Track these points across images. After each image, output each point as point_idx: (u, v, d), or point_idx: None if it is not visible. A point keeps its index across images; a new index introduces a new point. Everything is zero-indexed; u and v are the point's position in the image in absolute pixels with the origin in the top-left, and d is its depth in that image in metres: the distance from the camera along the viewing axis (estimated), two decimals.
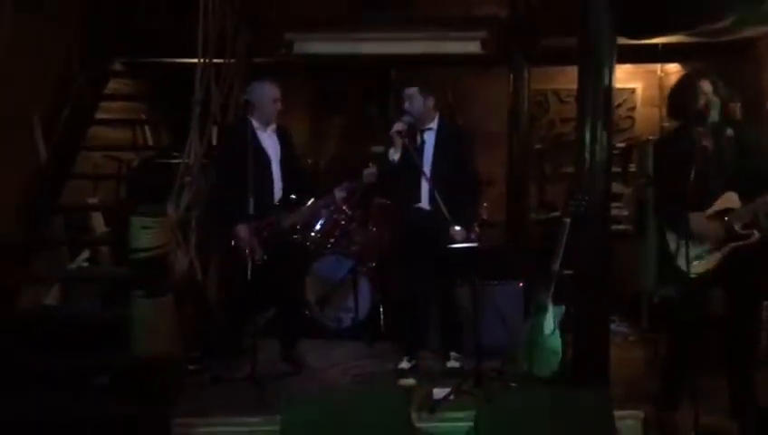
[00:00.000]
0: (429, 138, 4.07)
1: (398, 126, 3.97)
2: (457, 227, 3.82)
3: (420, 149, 4.04)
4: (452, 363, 4.08)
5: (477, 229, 5.43)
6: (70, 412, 3.45)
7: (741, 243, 3.25)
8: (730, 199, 3.29)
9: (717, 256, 3.30)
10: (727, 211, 3.29)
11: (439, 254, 3.89)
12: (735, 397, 3.40)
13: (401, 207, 4.26)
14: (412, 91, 4.06)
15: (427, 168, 3.98)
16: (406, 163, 3.96)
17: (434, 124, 4.09)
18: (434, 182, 3.89)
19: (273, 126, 4.16)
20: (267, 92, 4.09)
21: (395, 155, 3.96)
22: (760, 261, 3.33)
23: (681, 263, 3.25)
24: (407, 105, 4.06)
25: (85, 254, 4.84)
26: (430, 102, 4.08)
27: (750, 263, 3.29)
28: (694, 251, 3.23)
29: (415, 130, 4.07)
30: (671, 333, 3.61)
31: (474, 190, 4.15)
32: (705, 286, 3.35)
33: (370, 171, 4.09)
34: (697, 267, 3.24)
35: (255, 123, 4.07)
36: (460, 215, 3.85)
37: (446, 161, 4.01)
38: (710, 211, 3.30)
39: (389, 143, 3.98)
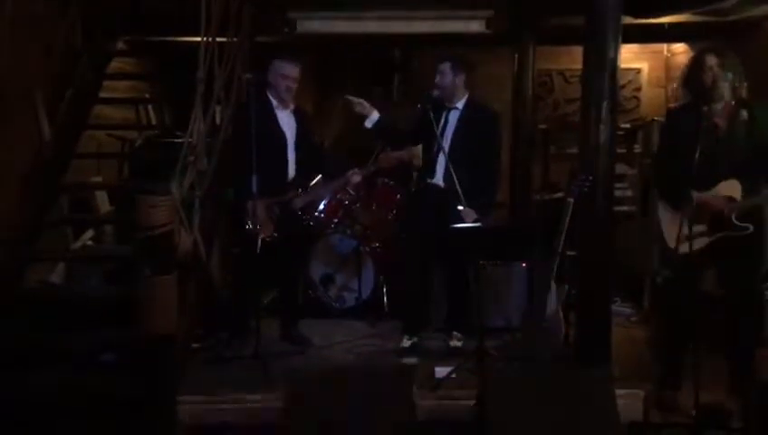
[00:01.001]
0: (453, 116, 4.03)
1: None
2: (466, 208, 3.81)
3: (444, 127, 4.01)
4: (455, 343, 4.10)
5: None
6: (76, 390, 3.49)
7: (734, 233, 3.24)
8: (732, 187, 3.28)
9: (706, 240, 3.30)
10: (727, 199, 3.27)
11: (445, 233, 3.88)
12: (735, 375, 3.42)
13: (415, 179, 4.23)
14: (445, 66, 4.00)
15: (446, 145, 3.96)
16: (425, 136, 3.94)
17: (460, 103, 4.04)
18: (451, 161, 3.88)
19: (292, 106, 4.18)
20: (278, 69, 4.09)
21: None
22: (752, 246, 3.33)
23: (672, 242, 3.25)
24: (437, 79, 4.01)
25: (89, 233, 4.86)
26: (460, 80, 4.02)
27: (741, 248, 3.29)
28: (685, 230, 3.21)
29: (442, 105, 4.04)
30: (667, 313, 3.63)
31: (492, 176, 4.05)
32: (697, 266, 3.34)
33: (387, 155, 4.10)
34: (685, 247, 3.22)
35: (274, 102, 4.10)
36: (473, 197, 3.84)
37: (468, 143, 3.97)
38: (710, 194, 3.29)
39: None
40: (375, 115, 4.09)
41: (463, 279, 4.06)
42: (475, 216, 3.82)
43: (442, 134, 3.99)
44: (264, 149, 3.82)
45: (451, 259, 4.12)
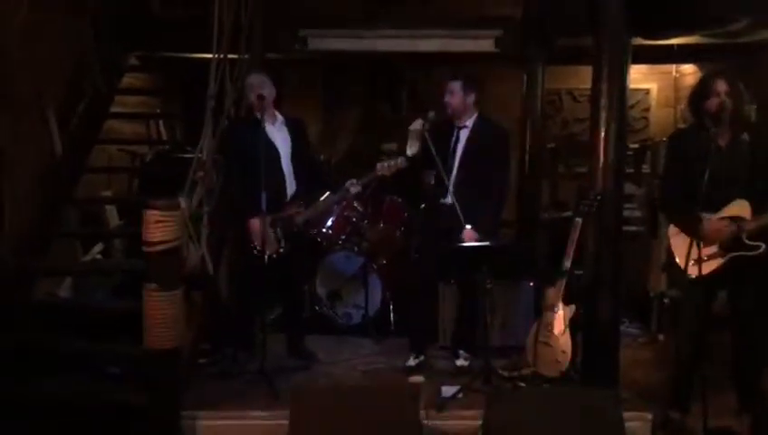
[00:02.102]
0: (463, 135, 4.02)
1: (416, 124, 3.96)
2: (468, 227, 3.81)
3: (454, 146, 4.00)
4: (461, 362, 4.08)
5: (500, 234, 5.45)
6: (82, 401, 3.49)
7: (746, 253, 3.24)
8: (742, 207, 3.27)
9: (720, 261, 3.29)
10: (737, 218, 3.27)
11: (454, 251, 3.87)
12: (743, 397, 3.39)
13: (425, 202, 4.21)
14: (456, 85, 3.97)
15: (455, 164, 3.96)
16: (429, 159, 3.95)
17: (470, 122, 4.02)
18: (459, 180, 3.88)
19: (281, 119, 4.15)
20: (248, 84, 4.06)
21: (411, 149, 3.94)
22: (761, 268, 3.31)
23: (680, 260, 3.25)
24: (447, 97, 3.99)
25: (99, 247, 4.88)
26: (471, 99, 4.00)
27: (752, 271, 3.28)
28: (696, 252, 3.20)
29: (451, 125, 4.04)
30: (679, 335, 3.61)
31: (498, 196, 3.99)
32: (708, 288, 3.33)
33: (383, 164, 4.06)
34: (697, 269, 3.21)
35: (263, 117, 4.01)
36: (476, 217, 3.83)
37: (477, 161, 3.95)
38: (720, 215, 3.29)
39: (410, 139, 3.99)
40: (409, 153, 4.09)
41: (470, 298, 4.04)
42: (476, 236, 3.81)
43: (453, 153, 3.98)
44: (256, 165, 3.76)
45: (458, 278, 4.11)
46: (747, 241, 3.24)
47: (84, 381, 3.66)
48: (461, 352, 4.11)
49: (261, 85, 3.99)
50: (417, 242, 4.72)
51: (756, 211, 3.25)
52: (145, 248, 3.36)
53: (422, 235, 4.39)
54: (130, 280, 4.10)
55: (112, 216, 5.07)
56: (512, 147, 4.32)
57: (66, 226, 4.57)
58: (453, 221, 3.87)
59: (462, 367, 4.04)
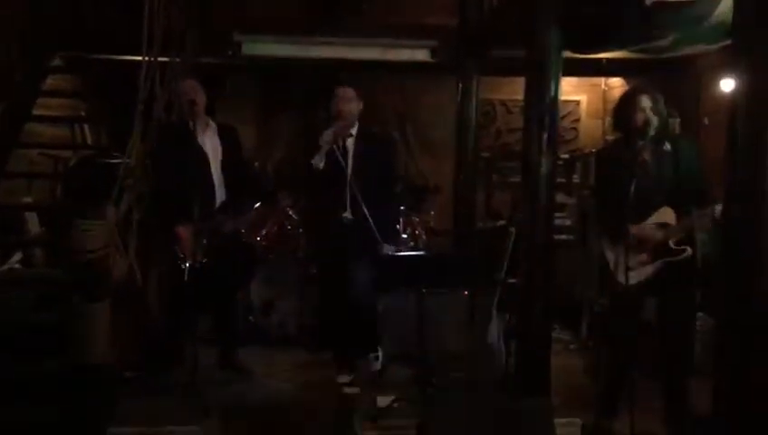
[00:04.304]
0: (350, 144, 3.98)
1: (327, 135, 3.83)
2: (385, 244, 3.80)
3: (344, 157, 3.93)
4: (375, 365, 4.06)
5: (422, 233, 5.48)
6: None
7: (673, 258, 3.36)
8: (666, 214, 3.39)
9: (650, 269, 3.40)
10: (663, 225, 3.39)
11: (391, 262, 3.84)
12: (670, 405, 3.50)
13: (327, 217, 4.04)
14: (351, 93, 3.93)
15: (348, 175, 3.89)
16: (332, 171, 3.86)
17: (354, 130, 4.00)
18: (358, 190, 3.82)
19: (214, 126, 4.06)
20: (180, 89, 3.97)
21: (320, 162, 3.84)
22: (690, 275, 3.44)
23: (619, 273, 3.34)
24: (341, 105, 3.90)
25: (18, 255, 4.65)
26: (360, 107, 3.99)
27: (680, 276, 3.40)
28: (629, 262, 3.30)
29: (344, 136, 3.96)
30: (608, 342, 3.70)
31: (394, 196, 4.02)
32: (638, 296, 3.43)
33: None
34: (632, 278, 3.32)
35: (191, 123, 3.88)
36: (384, 228, 3.82)
37: (367, 168, 3.93)
38: (647, 224, 3.40)
39: (315, 151, 3.83)
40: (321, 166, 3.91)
41: (370, 304, 4.02)
42: (394, 248, 3.80)
43: (346, 165, 3.91)
44: (184, 172, 3.65)
45: (394, 289, 4.09)
46: (674, 246, 3.36)
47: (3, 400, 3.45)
48: (371, 355, 4.09)
49: (192, 91, 3.90)
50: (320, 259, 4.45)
51: (680, 218, 3.38)
52: (69, 258, 3.22)
53: (327, 252, 4.16)
54: (52, 291, 3.92)
55: (33, 223, 4.84)
56: (446, 155, 4.33)
57: None
58: (356, 235, 3.83)
59: (390, 373, 4.01)
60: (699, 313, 4.27)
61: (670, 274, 3.38)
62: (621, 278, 3.35)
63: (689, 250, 3.35)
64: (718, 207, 3.14)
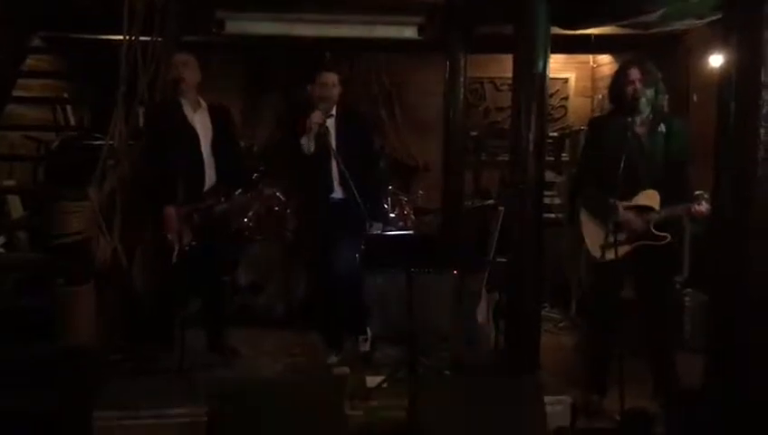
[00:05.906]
0: (330, 124, 3.95)
1: (317, 117, 3.80)
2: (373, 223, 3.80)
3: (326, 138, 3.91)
4: (364, 347, 4.06)
5: (410, 213, 5.46)
6: None
7: (652, 243, 3.35)
8: (651, 197, 3.37)
9: (626, 247, 3.39)
10: (646, 208, 3.36)
11: (378, 241, 3.82)
12: (657, 379, 3.52)
13: (316, 198, 4.04)
14: (334, 77, 3.94)
15: (332, 156, 3.87)
16: (319, 153, 3.84)
17: (334, 110, 3.99)
18: (343, 169, 3.80)
19: (205, 106, 3.98)
20: (172, 62, 3.87)
21: (310, 145, 3.83)
22: (666, 257, 3.45)
23: (591, 246, 3.32)
24: (326, 92, 3.91)
25: (1, 239, 4.59)
26: (341, 90, 3.99)
27: (656, 258, 3.40)
28: (609, 238, 3.28)
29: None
30: (593, 319, 3.70)
31: (377, 172, 4.01)
32: (616, 272, 3.42)
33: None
34: (607, 254, 3.30)
35: (182, 101, 3.84)
36: (372, 205, 3.82)
37: (349, 147, 3.92)
38: (630, 203, 3.38)
39: (302, 133, 3.81)
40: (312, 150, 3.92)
41: (357, 284, 4.02)
42: (382, 226, 3.78)
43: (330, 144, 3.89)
44: (173, 151, 3.59)
45: (382, 268, 4.07)
46: (654, 231, 3.34)
47: None
48: (360, 337, 4.08)
49: (185, 65, 3.80)
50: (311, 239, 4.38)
51: (665, 202, 3.36)
52: (52, 241, 3.17)
53: (317, 232, 4.13)
54: (36, 275, 3.87)
55: (15, 206, 4.78)
56: (436, 135, 4.30)
57: None
58: (345, 214, 3.82)
59: (369, 352, 4.02)
60: (688, 289, 4.29)
61: (648, 253, 3.37)
62: (596, 253, 3.35)
63: (669, 237, 3.34)
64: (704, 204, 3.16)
